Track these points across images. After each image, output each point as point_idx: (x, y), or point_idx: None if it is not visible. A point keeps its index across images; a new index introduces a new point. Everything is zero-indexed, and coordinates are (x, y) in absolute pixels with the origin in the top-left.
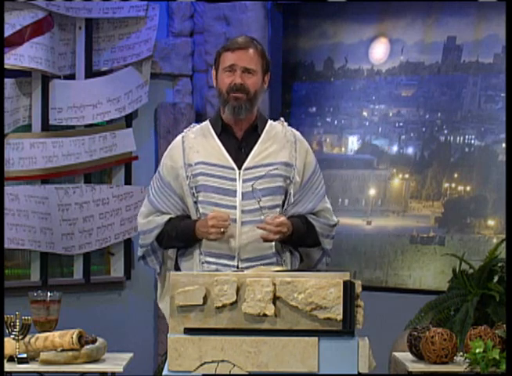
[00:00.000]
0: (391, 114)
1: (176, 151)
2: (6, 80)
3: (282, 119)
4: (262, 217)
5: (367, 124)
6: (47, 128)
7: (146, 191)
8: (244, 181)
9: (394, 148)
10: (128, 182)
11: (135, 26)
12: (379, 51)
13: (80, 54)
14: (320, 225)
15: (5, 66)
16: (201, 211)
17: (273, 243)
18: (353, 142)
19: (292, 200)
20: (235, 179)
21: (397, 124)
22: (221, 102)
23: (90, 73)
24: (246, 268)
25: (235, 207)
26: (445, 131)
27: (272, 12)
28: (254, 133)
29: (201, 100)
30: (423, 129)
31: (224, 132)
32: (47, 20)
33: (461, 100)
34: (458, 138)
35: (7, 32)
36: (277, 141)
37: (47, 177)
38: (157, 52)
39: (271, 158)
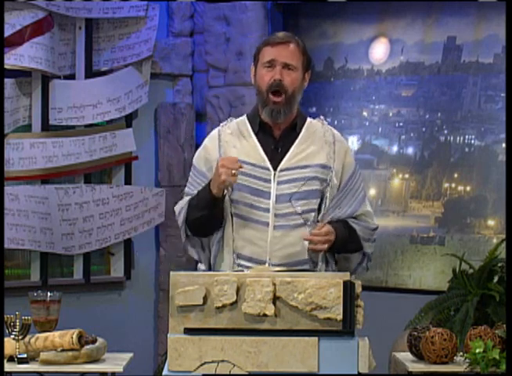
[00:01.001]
0: (391, 114)
1: (212, 143)
2: (6, 80)
3: (322, 117)
4: (307, 227)
5: (367, 124)
6: (47, 128)
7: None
8: (279, 183)
9: (394, 148)
10: (128, 182)
11: (135, 26)
12: (379, 51)
13: (80, 54)
14: (361, 228)
15: (5, 66)
16: (233, 210)
17: (306, 248)
18: (353, 142)
19: (328, 204)
20: (269, 180)
21: (397, 124)
22: (259, 101)
23: (90, 73)
24: None
25: (268, 211)
26: (445, 132)
27: (272, 12)
28: (292, 132)
29: (201, 100)
30: (423, 129)
31: (261, 131)
32: (47, 20)
33: (461, 100)
34: (458, 138)
35: (7, 32)
36: (315, 141)
37: (47, 177)
38: (157, 52)
39: (308, 160)
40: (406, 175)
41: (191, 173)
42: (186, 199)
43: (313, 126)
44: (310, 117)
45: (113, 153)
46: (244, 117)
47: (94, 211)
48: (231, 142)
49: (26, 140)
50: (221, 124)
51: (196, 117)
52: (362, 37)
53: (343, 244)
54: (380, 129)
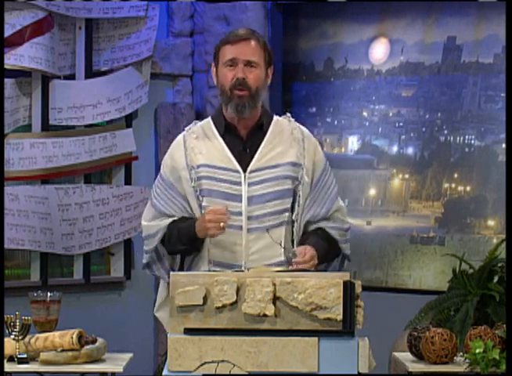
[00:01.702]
0: (391, 114)
1: (177, 151)
2: (6, 80)
3: (288, 115)
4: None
5: (367, 124)
6: (47, 128)
7: (149, 196)
8: (250, 184)
9: (394, 148)
10: (128, 182)
11: (135, 26)
12: (379, 51)
13: (80, 54)
14: (337, 232)
15: (5, 66)
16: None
17: (282, 250)
18: (353, 142)
19: (302, 202)
20: (240, 183)
21: (397, 124)
22: (223, 100)
23: (90, 73)
24: None
25: (240, 214)
26: (445, 132)
27: (272, 12)
28: (259, 132)
29: (201, 100)
30: (423, 129)
31: (227, 132)
32: (47, 20)
33: (461, 100)
34: (458, 138)
35: (7, 32)
36: (284, 139)
37: (47, 177)
38: (157, 52)
39: (277, 159)
40: (406, 175)
41: (158, 182)
42: (165, 222)
43: (280, 124)
44: (276, 115)
45: (113, 153)
46: (209, 119)
47: (94, 211)
48: (197, 148)
49: (26, 140)
50: (186, 129)
51: (196, 117)
52: (362, 37)
53: (324, 257)
54: (380, 129)
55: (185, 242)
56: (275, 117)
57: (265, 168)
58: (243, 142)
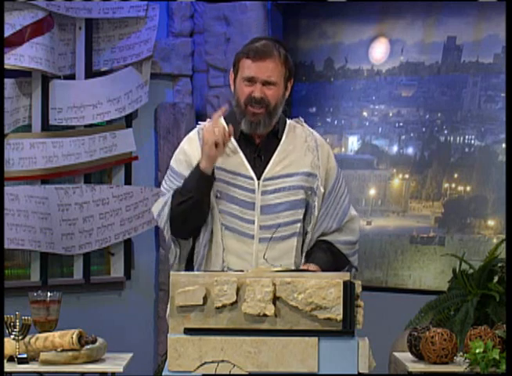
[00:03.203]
0: (391, 114)
1: (191, 146)
2: (6, 80)
3: (301, 119)
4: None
5: (367, 124)
6: (47, 128)
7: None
8: (263, 193)
9: (394, 148)
10: (128, 182)
11: (135, 26)
12: (379, 51)
13: (80, 54)
14: (346, 246)
15: (5, 66)
16: (222, 221)
17: (293, 260)
18: (353, 142)
19: (316, 213)
20: (253, 190)
21: (397, 124)
22: (238, 112)
23: (90, 73)
24: None
25: (253, 222)
26: (445, 132)
27: (272, 12)
28: (273, 138)
29: (201, 100)
30: (423, 129)
31: (242, 137)
32: (47, 20)
33: (461, 100)
34: (458, 138)
35: (7, 32)
36: (298, 147)
37: (47, 177)
38: (157, 52)
39: (292, 168)
40: (406, 175)
41: (168, 175)
42: (169, 194)
43: (293, 129)
44: (289, 118)
45: (113, 153)
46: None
47: (94, 211)
48: None
49: (26, 140)
50: (199, 127)
51: (196, 117)
52: (362, 37)
53: (329, 271)
54: (380, 129)
55: (189, 187)
56: (288, 122)
57: (278, 176)
58: (258, 149)
